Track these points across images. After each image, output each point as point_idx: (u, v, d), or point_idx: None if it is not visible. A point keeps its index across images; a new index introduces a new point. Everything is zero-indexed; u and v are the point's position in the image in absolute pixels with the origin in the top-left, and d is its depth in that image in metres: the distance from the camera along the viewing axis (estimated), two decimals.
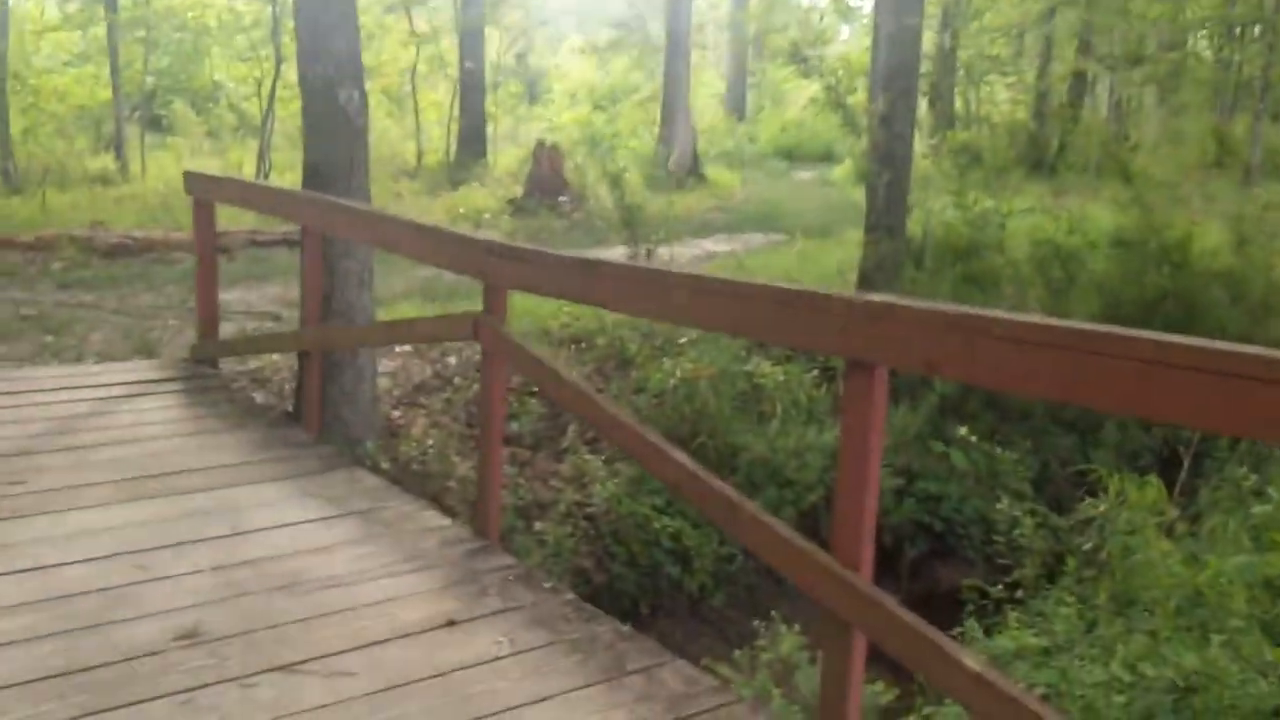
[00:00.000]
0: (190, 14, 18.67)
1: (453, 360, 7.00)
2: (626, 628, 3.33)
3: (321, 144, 5.36)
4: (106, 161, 17.33)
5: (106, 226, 10.88)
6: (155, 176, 17.05)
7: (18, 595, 3.35)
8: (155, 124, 20.91)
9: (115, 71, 17.25)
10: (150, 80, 18.27)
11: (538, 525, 5.67)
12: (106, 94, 18.83)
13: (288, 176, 17.53)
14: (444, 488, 5.80)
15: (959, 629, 4.59)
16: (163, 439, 4.92)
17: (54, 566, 3.57)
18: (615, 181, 8.84)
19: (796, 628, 4.32)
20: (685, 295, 2.99)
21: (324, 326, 5.19)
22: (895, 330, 2.48)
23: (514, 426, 6.30)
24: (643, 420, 6.48)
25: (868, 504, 2.59)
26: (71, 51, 23.02)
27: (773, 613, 4.50)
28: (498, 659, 3.10)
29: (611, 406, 3.38)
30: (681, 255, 10.55)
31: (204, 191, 6.12)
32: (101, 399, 5.47)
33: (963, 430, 6.21)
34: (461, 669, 3.03)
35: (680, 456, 3.14)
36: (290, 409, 5.76)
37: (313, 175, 5.39)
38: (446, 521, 4.13)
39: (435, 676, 2.99)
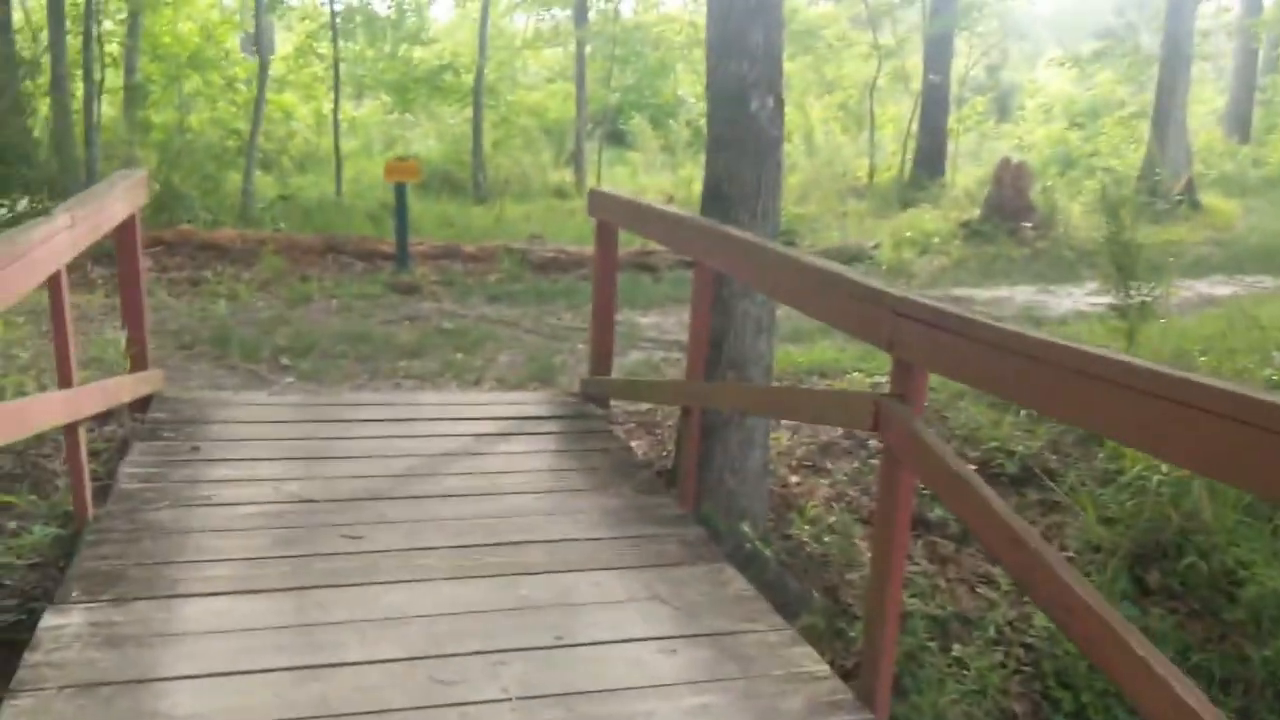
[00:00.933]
0: (656, 29, 18.93)
1: None
2: None
3: (726, 158, 4.49)
4: (565, 175, 17.95)
5: (543, 240, 10.87)
6: None
7: (295, 705, 2.74)
8: (617, 139, 21.55)
9: (581, 86, 17.82)
10: (615, 96, 18.71)
11: (956, 648, 4.45)
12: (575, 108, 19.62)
13: None
14: (842, 580, 4.74)
15: None
16: (517, 495, 4.29)
17: (345, 666, 2.94)
18: (1112, 210, 7.07)
19: None
20: (1225, 436, 1.71)
21: (704, 383, 4.31)
22: None
23: (936, 512, 5.11)
24: (1108, 520, 5.08)
25: None
26: (552, 68, 24.45)
27: None
28: None
29: (1065, 572, 2.15)
30: (1168, 298, 8.69)
31: (605, 212, 5.50)
32: (474, 435, 4.98)
33: None
34: None
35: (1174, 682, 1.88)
36: (671, 466, 4.96)
37: (714, 196, 4.54)
38: (821, 668, 3.07)
39: None
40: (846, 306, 2.99)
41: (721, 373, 4.46)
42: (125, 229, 5.00)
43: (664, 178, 19.28)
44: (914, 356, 2.64)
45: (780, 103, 4.50)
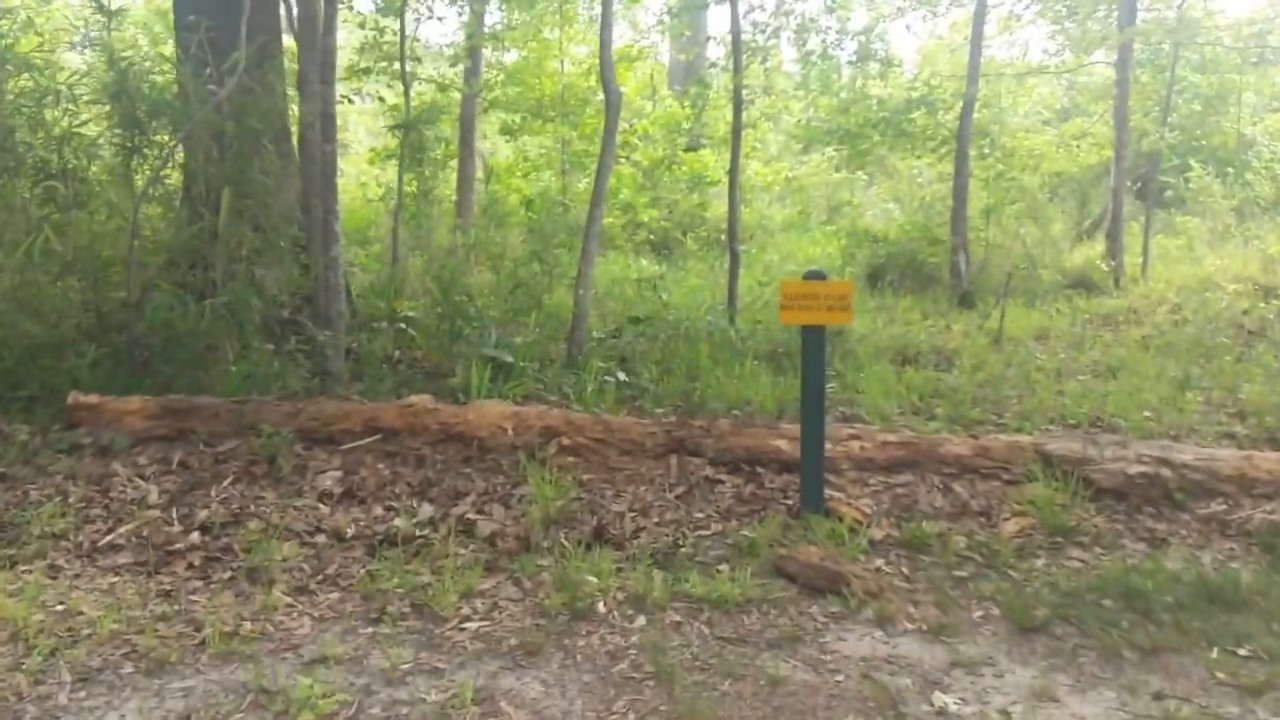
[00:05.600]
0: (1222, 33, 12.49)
1: None
2: None
3: None
4: (1090, 253, 11.97)
5: (1115, 429, 5.28)
6: (1161, 278, 11.21)
7: None
8: (1159, 198, 15.05)
9: (1121, 124, 11.79)
10: (1169, 135, 12.45)
11: None
12: (1095, 156, 13.57)
13: None
14: None
15: None
16: None
17: None
18: None
19: None
20: None
21: None
22: None
23: None
24: None
25: None
26: (1049, 107, 18.36)
27: None
28: None
29: None
30: None
31: None
32: None
33: None
34: None
35: None
36: None
37: None
38: None
39: None
40: None
41: None
42: None
43: (1234, 253, 12.68)
44: None
45: None
